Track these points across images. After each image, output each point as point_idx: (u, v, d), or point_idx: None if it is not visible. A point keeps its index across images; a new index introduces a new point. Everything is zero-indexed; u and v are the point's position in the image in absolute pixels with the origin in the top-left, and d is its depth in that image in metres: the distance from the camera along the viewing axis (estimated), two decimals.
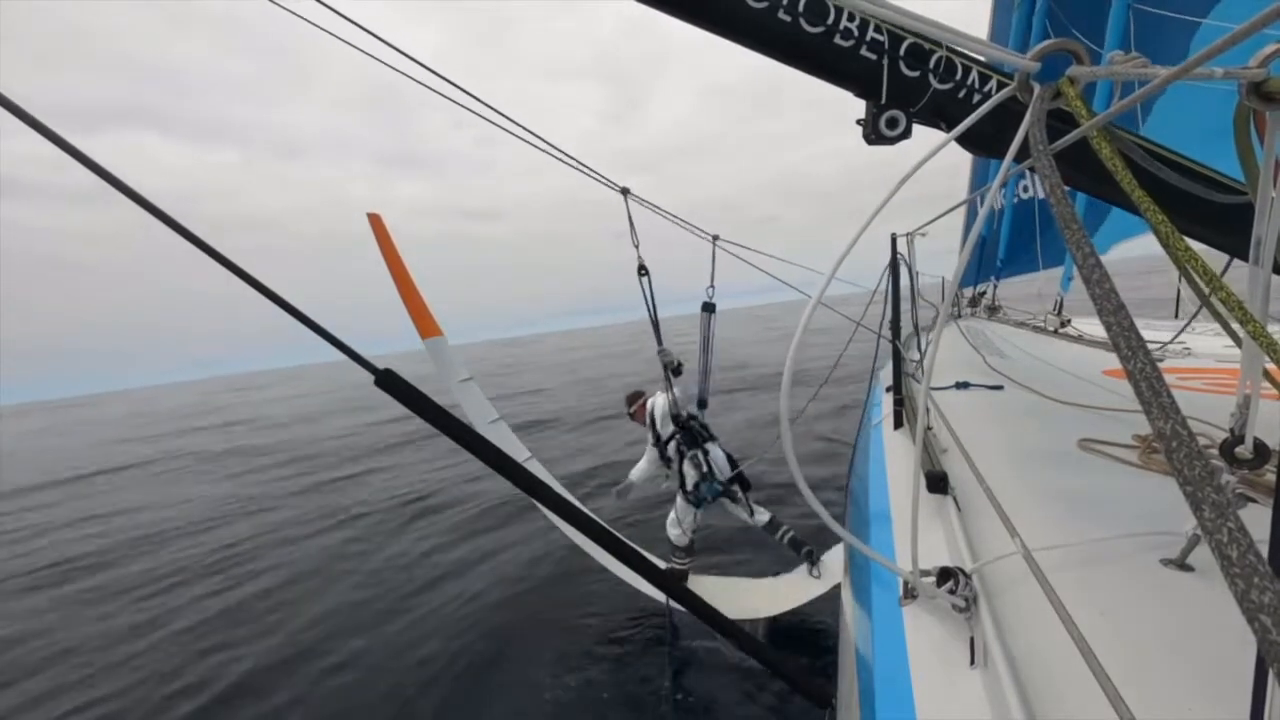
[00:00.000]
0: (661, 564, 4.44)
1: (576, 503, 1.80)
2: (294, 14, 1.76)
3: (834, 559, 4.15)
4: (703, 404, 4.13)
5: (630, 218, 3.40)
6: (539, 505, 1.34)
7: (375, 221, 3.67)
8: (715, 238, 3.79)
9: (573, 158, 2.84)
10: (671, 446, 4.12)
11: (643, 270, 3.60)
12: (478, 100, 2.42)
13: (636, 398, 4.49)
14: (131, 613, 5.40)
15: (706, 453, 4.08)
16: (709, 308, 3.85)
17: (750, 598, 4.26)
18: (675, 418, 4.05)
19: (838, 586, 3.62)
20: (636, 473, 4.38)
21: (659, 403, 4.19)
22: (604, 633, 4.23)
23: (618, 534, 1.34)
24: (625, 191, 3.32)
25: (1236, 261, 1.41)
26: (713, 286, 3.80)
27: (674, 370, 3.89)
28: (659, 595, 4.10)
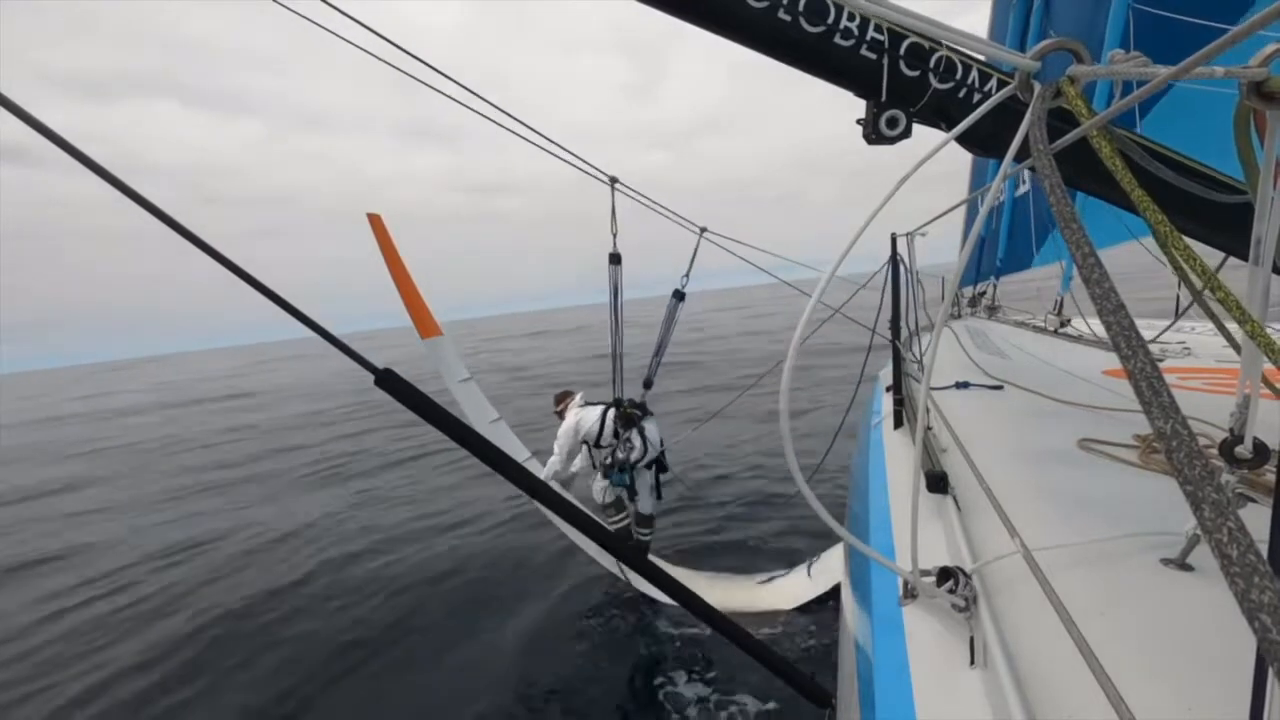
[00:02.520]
0: (662, 564, 4.45)
1: (576, 503, 1.80)
2: (290, 10, 1.76)
3: (834, 559, 4.15)
4: (648, 384, 4.22)
5: (614, 208, 3.47)
6: (539, 505, 1.34)
7: (375, 222, 3.67)
8: (703, 230, 3.86)
9: (562, 147, 2.88)
10: (607, 434, 4.20)
11: (616, 259, 3.67)
12: (466, 89, 2.43)
13: (564, 397, 4.54)
14: None
15: (642, 430, 4.16)
16: (679, 295, 3.98)
17: (750, 597, 4.26)
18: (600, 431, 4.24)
19: (838, 586, 3.63)
20: (549, 474, 4.34)
21: (585, 424, 4.26)
22: (601, 635, 4.23)
23: (620, 536, 1.34)
24: (613, 181, 3.37)
25: (1237, 262, 1.41)
26: (687, 278, 3.94)
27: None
28: (661, 596, 4.10)
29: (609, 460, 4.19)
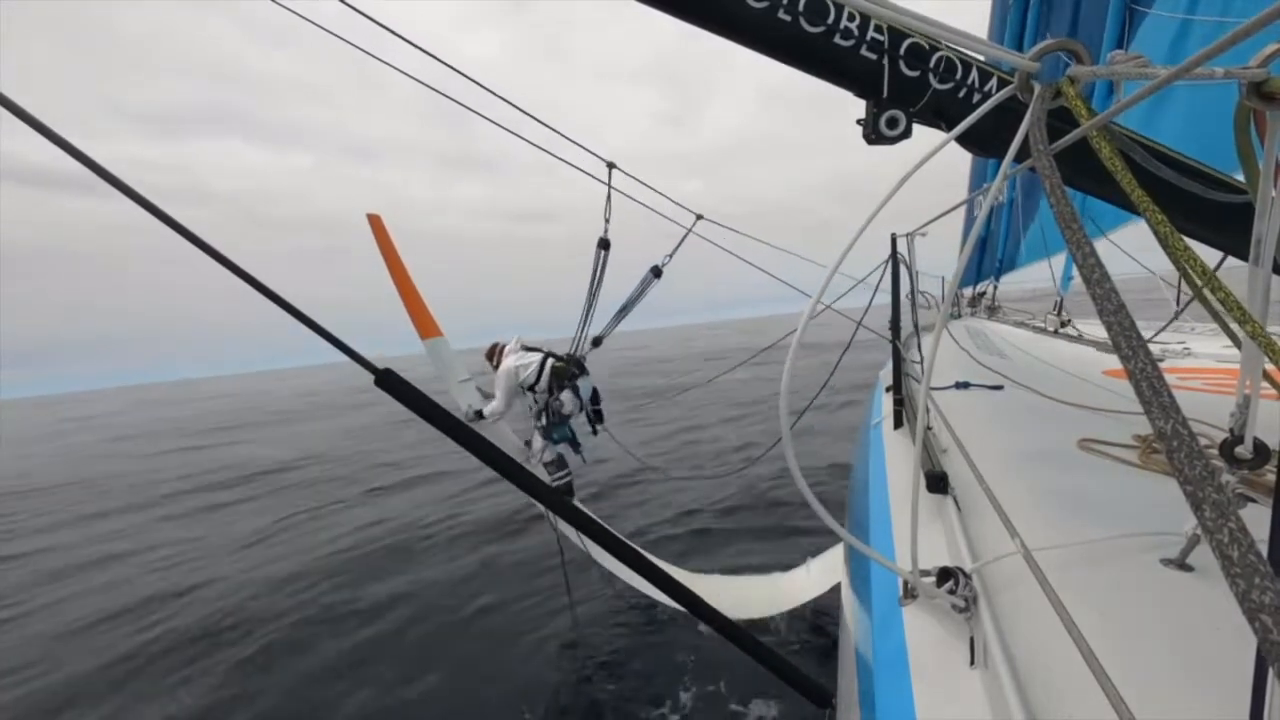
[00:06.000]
0: (664, 565, 4.44)
1: (577, 504, 1.80)
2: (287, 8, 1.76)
3: (834, 559, 4.15)
4: (597, 342, 4.29)
5: (610, 194, 3.52)
6: (539, 505, 1.34)
7: (375, 222, 3.68)
8: (699, 217, 3.96)
9: (560, 133, 2.91)
10: (542, 384, 4.24)
11: (605, 244, 3.74)
12: (469, 78, 2.45)
13: (494, 349, 4.55)
14: None
15: (576, 389, 4.20)
16: (657, 273, 4.11)
17: (749, 598, 4.26)
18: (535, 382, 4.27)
19: (838, 586, 3.63)
20: (490, 411, 4.35)
21: (524, 370, 4.27)
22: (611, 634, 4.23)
23: (620, 536, 1.34)
24: (611, 166, 3.41)
25: (1237, 262, 1.41)
26: (669, 257, 4.09)
27: (478, 416, 4.30)
28: (664, 598, 4.10)
29: (544, 420, 4.24)
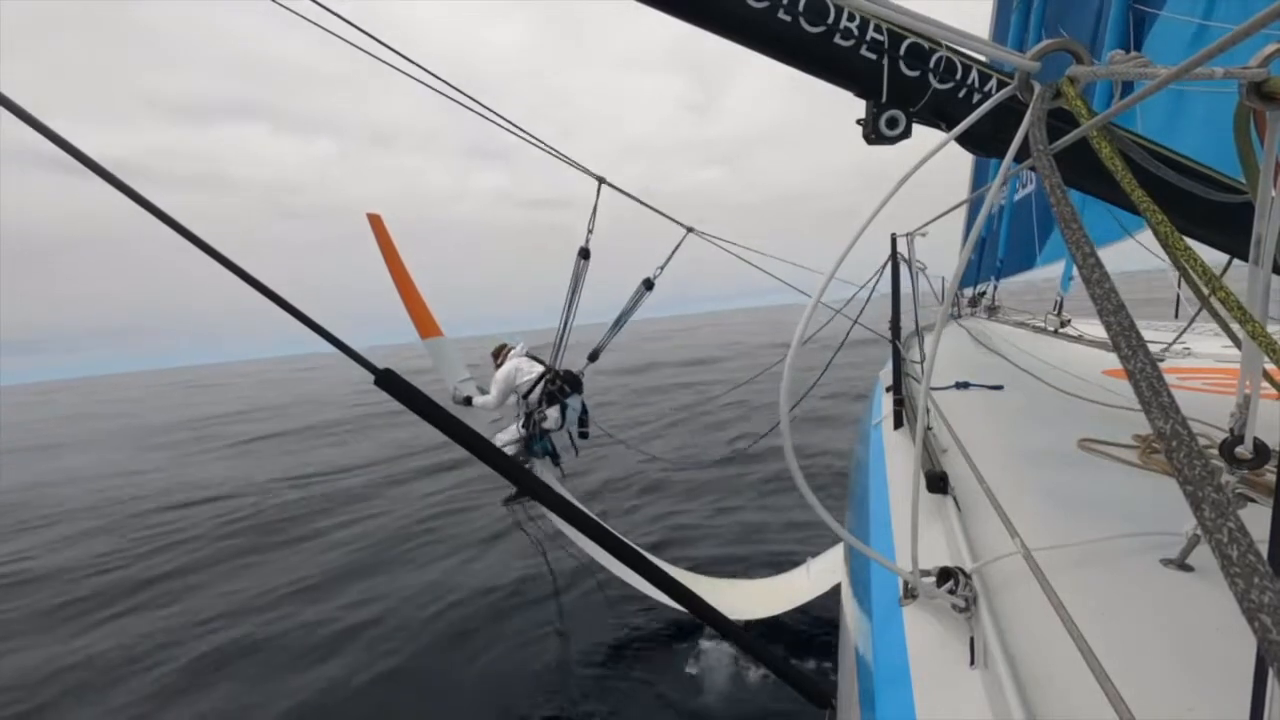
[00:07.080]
0: (663, 565, 4.44)
1: (577, 503, 1.80)
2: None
3: (834, 559, 4.15)
4: (593, 357, 4.35)
5: (596, 206, 3.58)
6: (539, 505, 1.34)
7: (375, 222, 3.68)
8: (689, 229, 4.01)
9: (553, 147, 2.93)
10: (534, 397, 4.31)
11: (585, 254, 3.83)
12: (467, 95, 2.45)
13: (500, 350, 4.64)
14: None
15: (564, 406, 4.25)
16: (649, 285, 4.21)
17: (749, 598, 4.26)
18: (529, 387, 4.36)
19: (838, 586, 3.62)
20: (480, 402, 4.48)
21: (521, 375, 4.34)
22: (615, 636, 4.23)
23: (620, 535, 1.34)
24: (601, 180, 3.44)
25: (1236, 261, 1.41)
26: (660, 270, 4.17)
27: (465, 402, 4.48)
28: (663, 598, 4.10)
29: (526, 431, 4.30)
